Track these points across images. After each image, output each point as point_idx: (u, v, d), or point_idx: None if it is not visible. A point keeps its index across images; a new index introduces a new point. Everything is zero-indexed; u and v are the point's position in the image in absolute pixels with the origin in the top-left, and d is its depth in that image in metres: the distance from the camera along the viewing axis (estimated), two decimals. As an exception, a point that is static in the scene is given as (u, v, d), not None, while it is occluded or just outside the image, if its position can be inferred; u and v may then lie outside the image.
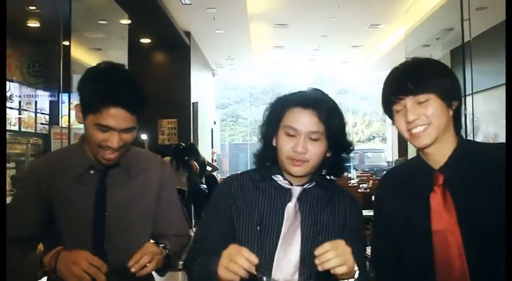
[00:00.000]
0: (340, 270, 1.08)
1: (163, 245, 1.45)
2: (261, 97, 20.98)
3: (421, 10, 7.08)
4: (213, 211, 1.41)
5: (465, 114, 4.61)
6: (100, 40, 6.48)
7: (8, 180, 4.69)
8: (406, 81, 1.21)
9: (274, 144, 1.37)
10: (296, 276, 1.28)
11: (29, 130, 7.51)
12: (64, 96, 5.56)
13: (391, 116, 1.30)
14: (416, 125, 1.22)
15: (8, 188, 4.59)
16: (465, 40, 4.64)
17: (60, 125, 6.08)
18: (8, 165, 5.11)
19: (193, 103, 9.26)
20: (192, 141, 8.52)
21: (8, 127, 7.05)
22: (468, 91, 4.63)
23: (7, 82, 6.85)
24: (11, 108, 7.15)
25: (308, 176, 1.37)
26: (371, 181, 7.07)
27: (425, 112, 1.21)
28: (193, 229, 6.70)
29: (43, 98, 7.48)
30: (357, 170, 10.56)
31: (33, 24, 6.52)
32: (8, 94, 6.92)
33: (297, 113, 1.32)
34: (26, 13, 6.22)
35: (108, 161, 1.42)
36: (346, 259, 1.09)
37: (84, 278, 1.24)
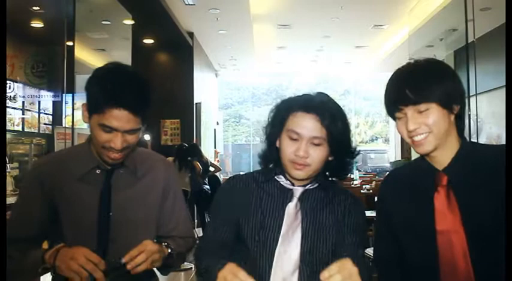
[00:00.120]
0: None
1: (165, 243, 1.44)
2: (263, 98, 20.97)
3: (424, 11, 7.07)
4: (218, 210, 1.44)
5: (469, 115, 4.61)
6: (103, 41, 6.50)
7: (11, 180, 4.70)
8: (406, 90, 1.20)
9: (278, 145, 1.39)
10: (296, 274, 1.30)
11: (32, 130, 7.54)
12: (68, 97, 5.59)
13: (394, 120, 1.30)
14: (417, 134, 1.23)
15: (10, 188, 4.60)
16: (469, 41, 4.62)
17: (63, 125, 6.10)
18: (11, 165, 5.12)
19: (196, 104, 9.26)
20: (195, 141, 8.52)
21: (11, 127, 7.08)
22: (472, 92, 4.62)
23: (11, 82, 6.89)
24: (14, 108, 7.18)
25: (310, 178, 1.38)
26: (374, 182, 7.05)
27: (426, 121, 1.21)
28: (196, 230, 6.71)
29: (46, 99, 7.51)
30: (359, 171, 10.52)
31: (37, 24, 6.55)
32: (12, 94, 6.95)
33: (300, 118, 1.33)
34: (30, 13, 6.25)
35: (113, 160, 1.42)
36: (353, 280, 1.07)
37: (81, 273, 1.24)
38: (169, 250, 1.44)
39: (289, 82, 20.65)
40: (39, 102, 7.65)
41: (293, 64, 13.22)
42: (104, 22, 6.29)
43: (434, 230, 1.25)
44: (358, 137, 19.79)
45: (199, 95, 9.56)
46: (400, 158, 11.27)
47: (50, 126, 7.74)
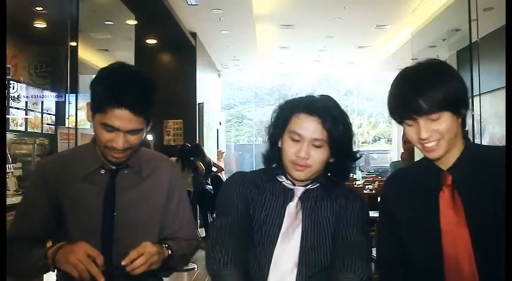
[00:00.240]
0: None
1: (166, 245, 1.44)
2: (266, 98, 20.96)
3: (427, 11, 7.06)
4: (224, 207, 1.41)
5: (472, 116, 4.59)
6: (106, 41, 6.51)
7: (14, 180, 4.71)
8: (420, 101, 1.18)
9: (280, 146, 1.40)
10: (294, 273, 1.30)
11: (35, 130, 7.55)
12: (71, 97, 5.59)
13: (400, 123, 1.29)
14: (429, 141, 1.23)
15: (14, 188, 4.61)
16: (472, 41, 4.61)
17: (66, 125, 6.11)
18: (14, 165, 5.13)
19: (198, 104, 9.27)
20: (197, 142, 8.53)
21: (14, 127, 7.09)
22: (475, 92, 4.61)
23: (15, 83, 6.90)
24: (17, 108, 7.18)
25: (311, 179, 1.40)
26: (376, 182, 7.04)
27: (439, 128, 1.21)
28: (199, 230, 6.71)
29: (50, 99, 7.52)
30: (362, 171, 10.51)
31: (40, 25, 6.56)
32: (15, 95, 6.97)
33: (302, 119, 1.34)
34: (33, 14, 6.26)
35: (116, 159, 1.43)
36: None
37: (78, 266, 1.24)
38: (169, 252, 1.44)
39: (292, 82, 20.65)
40: (42, 102, 7.65)
41: (296, 64, 13.22)
42: (107, 22, 6.30)
43: (439, 229, 1.25)
44: (360, 137, 19.77)
45: (202, 95, 9.57)
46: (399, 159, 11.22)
47: (53, 127, 7.75)
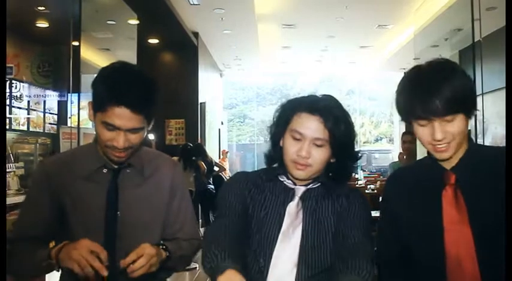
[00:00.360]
0: None
1: (163, 247, 1.43)
2: (268, 97, 20.96)
3: (429, 10, 7.05)
4: (223, 206, 1.41)
5: (475, 116, 4.57)
6: (108, 40, 6.51)
7: (16, 179, 4.72)
8: (437, 104, 1.18)
9: (281, 145, 1.39)
10: (294, 273, 1.29)
11: (38, 130, 7.56)
12: (73, 97, 5.60)
13: (409, 122, 1.28)
14: (442, 142, 1.23)
15: (16, 187, 4.62)
16: (475, 40, 4.61)
17: (68, 124, 6.12)
18: (16, 164, 5.14)
19: (200, 103, 9.28)
20: (199, 141, 8.53)
21: (16, 127, 7.11)
22: (478, 92, 4.60)
23: (17, 82, 6.92)
24: (19, 108, 7.20)
25: (312, 178, 1.39)
26: (378, 182, 7.03)
27: (452, 130, 1.21)
28: (201, 230, 6.71)
29: (52, 98, 7.53)
30: (364, 171, 10.49)
31: (42, 24, 6.57)
32: (17, 94, 6.98)
33: (304, 118, 1.34)
34: (35, 13, 6.27)
35: (118, 158, 1.43)
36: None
37: (81, 262, 1.24)
38: (167, 253, 1.42)
39: (294, 82, 20.63)
40: (44, 102, 7.67)
41: (298, 64, 13.22)
42: (109, 22, 6.30)
43: (442, 228, 1.25)
44: (362, 137, 19.75)
45: (203, 95, 9.58)
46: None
47: (55, 126, 7.76)
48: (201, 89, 9.27)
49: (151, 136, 7.98)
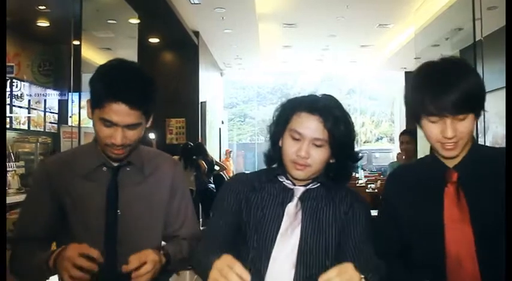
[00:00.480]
0: None
1: (163, 252, 1.42)
2: (268, 97, 20.95)
3: (430, 10, 7.04)
4: (219, 206, 1.44)
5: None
6: (109, 39, 6.51)
7: (17, 178, 4.73)
8: (452, 102, 1.18)
9: (280, 144, 1.38)
10: (292, 274, 1.29)
11: (38, 129, 7.57)
12: (74, 96, 5.60)
13: (418, 118, 1.28)
14: (451, 141, 1.23)
15: (16, 186, 4.63)
16: (476, 40, 4.60)
17: (69, 124, 6.12)
18: (17, 163, 5.15)
19: (201, 103, 9.27)
20: (200, 140, 8.53)
21: (17, 126, 7.11)
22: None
23: (18, 81, 6.92)
24: (20, 107, 7.21)
25: (311, 178, 1.38)
26: (379, 181, 7.03)
27: (462, 129, 1.22)
28: (202, 229, 6.71)
29: (52, 97, 7.54)
30: (364, 170, 10.49)
31: (43, 23, 6.57)
32: (18, 93, 6.99)
33: (303, 118, 1.33)
34: (36, 12, 6.28)
35: (116, 155, 1.42)
36: None
37: (74, 275, 1.21)
38: (167, 259, 1.41)
39: (295, 81, 20.63)
40: (45, 101, 7.68)
41: (298, 63, 13.21)
42: (109, 21, 6.30)
43: (443, 226, 1.26)
44: (363, 136, 19.75)
45: (204, 94, 9.58)
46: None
47: (56, 125, 7.77)
48: (201, 88, 9.27)
49: (151, 135, 7.98)
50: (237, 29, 8.80)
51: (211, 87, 11.19)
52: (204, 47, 9.72)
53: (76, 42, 4.84)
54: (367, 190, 6.50)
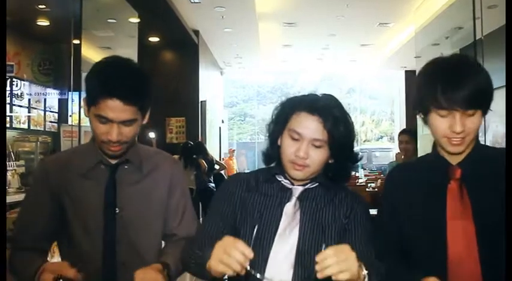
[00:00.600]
0: (342, 277, 1.04)
1: (165, 270, 1.39)
2: (269, 96, 20.96)
3: (430, 9, 7.03)
4: (215, 206, 1.43)
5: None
6: (109, 39, 6.50)
7: (17, 178, 4.72)
8: (465, 94, 1.19)
9: (279, 144, 1.37)
10: (290, 274, 1.28)
11: (38, 128, 7.57)
12: (74, 95, 5.59)
13: (426, 112, 1.28)
14: (459, 136, 1.23)
15: (17, 185, 4.62)
16: (476, 38, 4.60)
17: (69, 123, 6.12)
18: (17, 163, 5.14)
19: (201, 102, 9.27)
20: (200, 139, 8.53)
21: (17, 125, 7.11)
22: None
23: (18, 80, 6.92)
24: (20, 106, 7.21)
25: (310, 178, 1.37)
26: (379, 180, 7.03)
27: (470, 125, 1.22)
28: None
29: (52, 96, 7.53)
30: (364, 169, 10.51)
31: (43, 22, 6.57)
32: (18, 92, 6.98)
33: (303, 118, 1.31)
34: (36, 12, 6.27)
35: (113, 152, 1.42)
36: (349, 265, 1.05)
37: None
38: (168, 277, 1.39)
39: (295, 80, 20.64)
40: (45, 100, 7.68)
41: (298, 62, 13.21)
42: (109, 20, 6.29)
43: (445, 222, 1.26)
44: (363, 135, 19.75)
45: (204, 93, 9.57)
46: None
47: (56, 124, 7.77)
48: (201, 87, 9.27)
49: (152, 134, 7.98)
50: (237, 28, 8.79)
51: (211, 86, 11.19)
52: (204, 46, 9.72)
53: (76, 42, 4.84)
54: (367, 189, 6.51)
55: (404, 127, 10.61)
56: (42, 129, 7.63)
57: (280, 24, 9.10)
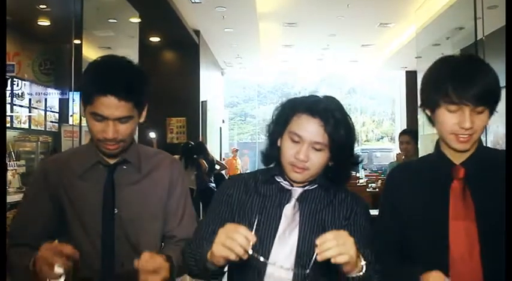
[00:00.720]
0: (340, 259, 1.05)
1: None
2: (269, 96, 20.97)
3: (431, 9, 7.03)
4: (213, 208, 1.43)
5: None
6: (110, 39, 6.50)
7: (17, 177, 4.73)
8: (477, 89, 1.19)
9: (279, 145, 1.37)
10: (291, 275, 1.28)
11: (39, 128, 7.57)
12: (75, 95, 5.59)
13: (433, 108, 1.27)
14: (467, 132, 1.23)
15: (17, 185, 4.63)
16: (477, 39, 4.60)
17: (70, 123, 6.12)
18: (18, 162, 5.15)
19: (202, 102, 9.27)
20: (200, 139, 8.53)
21: (18, 125, 7.11)
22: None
23: (19, 80, 6.92)
24: (21, 106, 7.20)
25: (309, 180, 1.37)
26: (379, 181, 7.03)
27: (478, 122, 1.23)
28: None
29: (53, 96, 7.53)
30: (365, 169, 10.49)
31: (44, 22, 6.57)
32: (19, 92, 6.98)
33: (304, 120, 1.30)
34: (37, 12, 6.27)
35: (110, 150, 1.41)
36: (347, 248, 1.06)
37: (49, 276, 1.20)
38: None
39: (295, 80, 20.62)
40: (45, 99, 7.67)
41: (299, 62, 13.20)
42: (110, 20, 6.29)
43: (447, 221, 1.26)
44: (364, 136, 19.75)
45: (205, 93, 9.58)
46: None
47: (56, 124, 7.77)
48: (202, 88, 9.27)
49: (152, 134, 7.98)
50: (237, 28, 8.79)
51: (212, 86, 11.19)
52: (204, 46, 9.72)
53: (77, 42, 4.85)
54: (367, 189, 6.51)
55: (405, 127, 10.62)
56: (42, 129, 7.62)
57: (280, 25, 9.10)
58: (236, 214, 1.38)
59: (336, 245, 1.05)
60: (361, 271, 1.13)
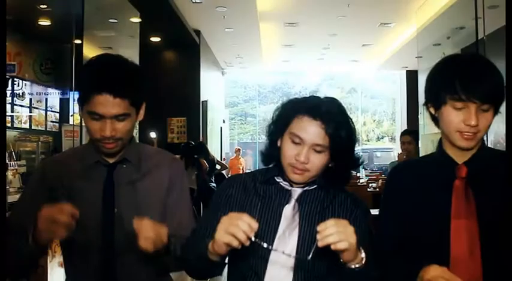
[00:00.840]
0: (340, 245, 1.07)
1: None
2: (270, 96, 20.97)
3: (432, 9, 7.03)
4: (212, 208, 1.42)
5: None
6: (110, 39, 6.50)
7: (18, 177, 4.73)
8: (484, 87, 1.20)
9: (279, 145, 1.36)
10: (290, 278, 1.28)
11: (40, 128, 7.58)
12: (75, 95, 5.59)
13: (440, 104, 1.27)
14: (472, 130, 1.23)
15: (18, 185, 4.63)
16: (478, 38, 4.61)
17: (70, 122, 6.13)
18: (18, 162, 5.16)
19: (202, 102, 9.28)
20: (201, 139, 8.53)
21: (19, 125, 7.12)
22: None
23: (19, 80, 6.93)
24: (22, 106, 7.22)
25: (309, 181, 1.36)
26: (380, 180, 7.03)
27: (484, 121, 1.23)
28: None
29: (54, 96, 7.54)
30: (366, 169, 10.49)
31: (45, 22, 6.58)
32: (20, 92, 6.99)
33: (305, 122, 1.29)
34: (38, 12, 6.27)
35: (108, 149, 1.41)
36: (348, 235, 1.08)
37: (63, 220, 1.23)
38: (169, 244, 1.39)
39: (296, 80, 20.63)
40: (46, 99, 7.68)
41: (299, 62, 13.21)
42: (111, 20, 6.29)
43: (449, 220, 1.26)
44: (364, 135, 19.75)
45: (205, 93, 9.58)
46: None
47: (57, 124, 7.78)
48: (202, 87, 9.27)
49: (153, 134, 7.99)
50: (238, 28, 8.79)
51: (213, 86, 11.20)
52: (205, 46, 9.72)
53: (77, 41, 4.85)
54: (368, 189, 6.51)
55: (406, 127, 10.62)
56: (43, 129, 7.64)
57: (281, 24, 9.10)
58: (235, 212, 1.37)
59: (337, 232, 1.07)
60: (361, 262, 1.14)
